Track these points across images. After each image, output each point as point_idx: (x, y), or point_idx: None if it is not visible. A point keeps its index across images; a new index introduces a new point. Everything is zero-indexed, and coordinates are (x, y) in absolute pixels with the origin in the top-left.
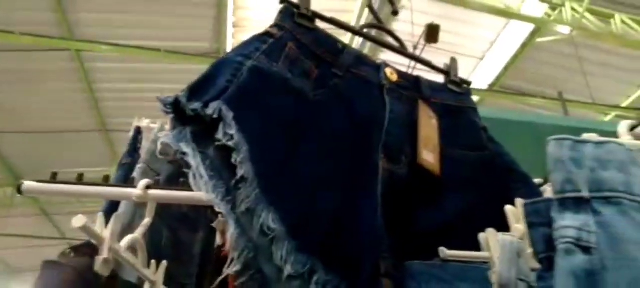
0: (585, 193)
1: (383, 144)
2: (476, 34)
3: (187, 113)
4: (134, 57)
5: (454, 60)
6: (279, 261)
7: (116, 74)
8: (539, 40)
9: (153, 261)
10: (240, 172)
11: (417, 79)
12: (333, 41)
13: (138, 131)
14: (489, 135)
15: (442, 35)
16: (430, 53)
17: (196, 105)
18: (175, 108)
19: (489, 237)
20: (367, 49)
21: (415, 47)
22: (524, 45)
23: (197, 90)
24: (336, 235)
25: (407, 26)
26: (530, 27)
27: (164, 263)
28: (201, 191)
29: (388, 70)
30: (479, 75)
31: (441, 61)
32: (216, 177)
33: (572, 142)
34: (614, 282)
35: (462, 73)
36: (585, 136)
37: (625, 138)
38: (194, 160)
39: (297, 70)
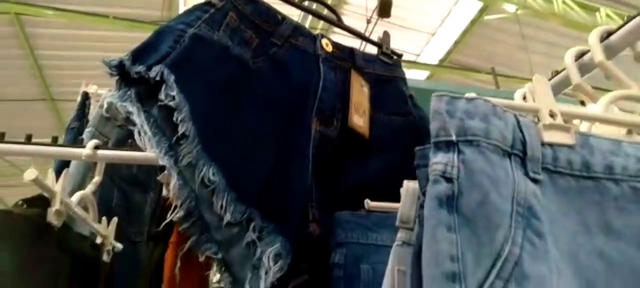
0: (453, 137)
1: (316, 109)
2: (428, 10)
3: (131, 75)
4: (80, 24)
5: (386, 34)
6: (219, 210)
7: (61, 40)
8: (486, 17)
9: (104, 217)
10: (181, 130)
11: (352, 50)
12: (273, 12)
13: (86, 96)
14: (414, 102)
15: (395, 11)
16: (383, 27)
17: (140, 68)
18: (120, 70)
19: (406, 188)
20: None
21: (368, 21)
22: (472, 22)
23: (141, 54)
24: (271, 188)
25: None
26: (479, 4)
27: (115, 219)
28: (146, 147)
29: (324, 41)
30: (431, 50)
31: (394, 35)
32: (159, 134)
33: (449, 97)
34: (465, 203)
35: (414, 48)
36: (466, 94)
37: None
38: (138, 118)
39: (237, 39)
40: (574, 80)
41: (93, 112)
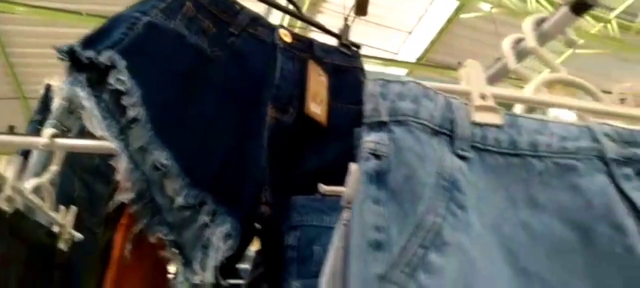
0: (385, 118)
1: (273, 97)
2: (405, 9)
3: (82, 61)
4: (53, 20)
5: (346, 26)
6: (172, 193)
7: (33, 37)
8: (462, 16)
9: (63, 207)
10: (131, 114)
11: (311, 42)
12: (231, 2)
13: (48, 89)
14: None
15: (373, 9)
16: (361, 25)
17: (90, 53)
18: (71, 56)
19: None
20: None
21: (346, 19)
22: (449, 21)
23: (92, 40)
24: (225, 174)
25: None
26: (455, 3)
27: (73, 208)
28: (96, 131)
29: (282, 32)
30: (408, 48)
31: (371, 33)
32: (110, 118)
33: (383, 81)
34: (393, 178)
35: (392, 46)
36: (401, 78)
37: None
38: (88, 102)
39: (194, 28)
40: (510, 65)
41: (56, 103)
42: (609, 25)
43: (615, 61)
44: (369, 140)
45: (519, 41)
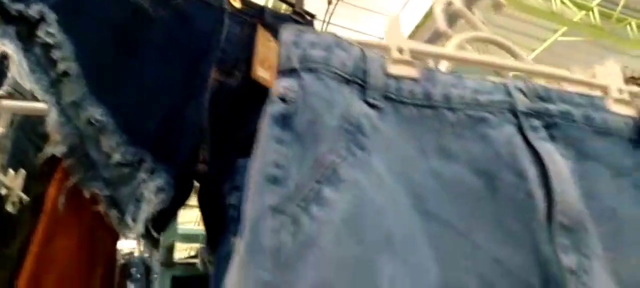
0: (296, 65)
1: (218, 60)
2: None
3: (11, 13)
4: None
5: None
6: (108, 150)
7: None
8: None
9: (11, 171)
10: (62, 68)
11: (262, 8)
12: None
13: (4, 56)
14: None
15: None
16: (345, 9)
17: (19, 6)
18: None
19: None
20: None
21: (329, 2)
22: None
23: None
24: (165, 132)
25: None
26: None
27: (22, 171)
28: (25, 84)
29: None
30: None
31: (357, 18)
32: (40, 71)
33: (297, 30)
34: (299, 121)
35: (377, 31)
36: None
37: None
38: (17, 55)
39: None
40: (440, 27)
41: (12, 70)
42: (590, 13)
43: (596, 49)
44: (280, 85)
45: (450, 4)
